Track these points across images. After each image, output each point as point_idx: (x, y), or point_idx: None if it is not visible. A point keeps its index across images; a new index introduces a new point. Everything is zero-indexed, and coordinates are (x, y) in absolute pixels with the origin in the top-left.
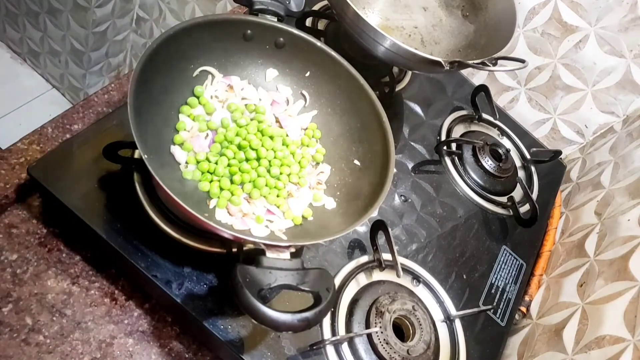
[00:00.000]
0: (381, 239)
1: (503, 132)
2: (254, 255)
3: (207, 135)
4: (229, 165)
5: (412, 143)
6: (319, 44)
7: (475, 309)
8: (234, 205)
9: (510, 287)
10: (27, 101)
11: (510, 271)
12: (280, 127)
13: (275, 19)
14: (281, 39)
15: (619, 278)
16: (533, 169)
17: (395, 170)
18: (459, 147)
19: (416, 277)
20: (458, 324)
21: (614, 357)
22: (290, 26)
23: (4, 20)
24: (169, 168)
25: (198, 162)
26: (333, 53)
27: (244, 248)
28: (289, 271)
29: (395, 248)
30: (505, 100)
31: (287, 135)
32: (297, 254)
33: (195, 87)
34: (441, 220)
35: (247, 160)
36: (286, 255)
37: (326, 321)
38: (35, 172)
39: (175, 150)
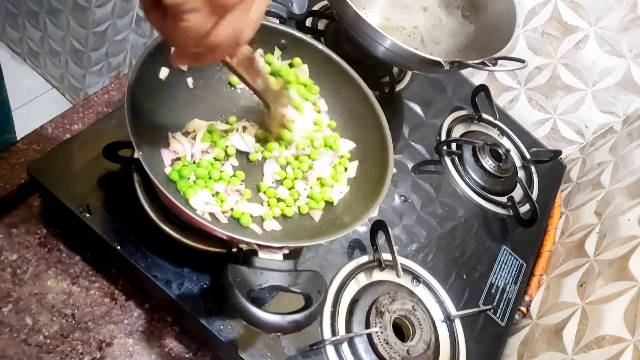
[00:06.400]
0: (381, 239)
1: (503, 132)
2: (247, 256)
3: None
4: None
5: (412, 143)
6: (320, 46)
7: (475, 309)
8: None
9: (510, 287)
10: (27, 101)
11: (510, 271)
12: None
13: (277, 21)
14: (283, 41)
15: (619, 278)
16: (533, 169)
17: (395, 170)
18: (459, 147)
19: (416, 277)
20: (458, 324)
21: (614, 357)
22: (293, 28)
23: (4, 20)
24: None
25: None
26: (335, 56)
27: (244, 248)
28: (281, 272)
29: (395, 248)
30: (505, 100)
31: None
32: (291, 255)
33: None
34: (441, 220)
35: None
36: (279, 256)
37: (326, 321)
38: (35, 172)
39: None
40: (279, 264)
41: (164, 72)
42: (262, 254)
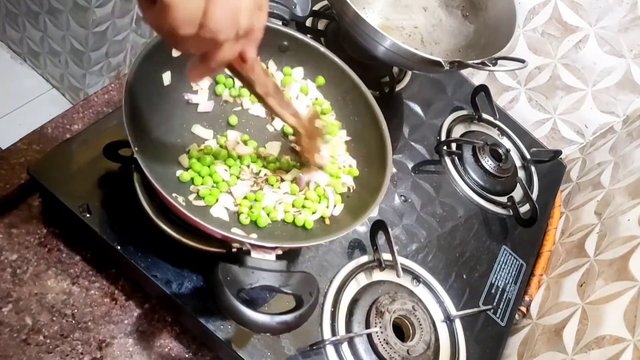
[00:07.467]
0: (381, 239)
1: (503, 132)
2: (239, 255)
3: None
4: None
5: (412, 143)
6: (322, 49)
7: (475, 309)
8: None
9: (510, 287)
10: (27, 101)
11: (510, 271)
12: None
13: (280, 23)
14: (285, 43)
15: (619, 278)
16: (533, 169)
17: (395, 170)
18: (459, 147)
19: (416, 277)
20: (458, 324)
21: (614, 357)
22: (295, 30)
23: (4, 20)
24: (163, 165)
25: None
26: (336, 58)
27: (244, 248)
28: (273, 272)
29: (395, 248)
30: (505, 100)
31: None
32: (284, 256)
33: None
34: (441, 220)
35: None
36: (271, 256)
37: (326, 321)
38: (35, 172)
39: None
40: (271, 264)
41: (167, 77)
42: (254, 254)
